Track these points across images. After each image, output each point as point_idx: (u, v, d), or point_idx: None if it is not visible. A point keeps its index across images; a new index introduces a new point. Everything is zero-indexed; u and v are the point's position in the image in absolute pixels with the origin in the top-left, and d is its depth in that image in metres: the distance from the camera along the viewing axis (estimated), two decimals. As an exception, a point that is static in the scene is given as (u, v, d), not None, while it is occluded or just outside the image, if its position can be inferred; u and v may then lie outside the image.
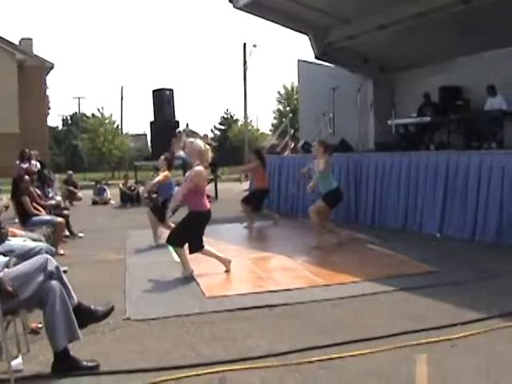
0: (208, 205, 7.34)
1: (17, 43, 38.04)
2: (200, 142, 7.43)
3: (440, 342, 4.40)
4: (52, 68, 33.70)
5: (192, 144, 7.42)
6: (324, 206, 9.16)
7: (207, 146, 7.35)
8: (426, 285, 6.25)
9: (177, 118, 23.63)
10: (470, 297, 5.72)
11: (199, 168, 7.10)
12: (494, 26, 11.37)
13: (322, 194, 9.32)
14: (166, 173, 10.17)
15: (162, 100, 22.94)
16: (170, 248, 9.17)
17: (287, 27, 14.99)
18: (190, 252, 7.19)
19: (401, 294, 5.98)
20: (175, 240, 7.23)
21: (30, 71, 30.60)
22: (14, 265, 4.34)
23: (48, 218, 9.33)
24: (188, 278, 6.99)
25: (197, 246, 7.16)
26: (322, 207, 9.14)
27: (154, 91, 23.41)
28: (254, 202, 11.81)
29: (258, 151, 12.60)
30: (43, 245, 6.17)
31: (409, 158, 10.66)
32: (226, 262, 7.31)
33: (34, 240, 6.46)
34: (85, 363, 4.04)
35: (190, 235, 7.16)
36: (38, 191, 10.30)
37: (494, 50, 12.48)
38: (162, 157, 10.58)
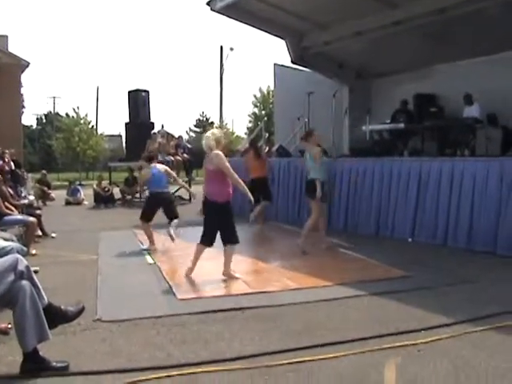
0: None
1: (-9, 40, 37.54)
2: (217, 132, 7.32)
3: (408, 347, 4.44)
4: (27, 66, 33.32)
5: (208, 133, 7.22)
6: (317, 205, 9.16)
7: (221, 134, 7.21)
8: (397, 289, 6.30)
9: (152, 120, 23.53)
10: (439, 302, 5.79)
11: (215, 151, 6.94)
12: (470, 35, 11.52)
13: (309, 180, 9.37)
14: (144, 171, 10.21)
15: (138, 101, 22.81)
16: (145, 252, 9.18)
17: (264, 31, 14.97)
18: (230, 242, 7.10)
19: (372, 298, 6.03)
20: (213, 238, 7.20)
21: (5, 69, 30.17)
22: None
23: (20, 217, 9.23)
24: (160, 280, 6.99)
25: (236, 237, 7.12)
26: (316, 207, 9.19)
27: (129, 92, 23.26)
28: (264, 191, 11.93)
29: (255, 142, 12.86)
30: (14, 244, 6.10)
31: (382, 163, 10.75)
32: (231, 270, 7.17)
33: (6, 239, 6.38)
34: (54, 364, 4.02)
35: (227, 227, 7.11)
36: (10, 190, 10.20)
37: (470, 59, 12.60)
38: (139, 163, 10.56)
